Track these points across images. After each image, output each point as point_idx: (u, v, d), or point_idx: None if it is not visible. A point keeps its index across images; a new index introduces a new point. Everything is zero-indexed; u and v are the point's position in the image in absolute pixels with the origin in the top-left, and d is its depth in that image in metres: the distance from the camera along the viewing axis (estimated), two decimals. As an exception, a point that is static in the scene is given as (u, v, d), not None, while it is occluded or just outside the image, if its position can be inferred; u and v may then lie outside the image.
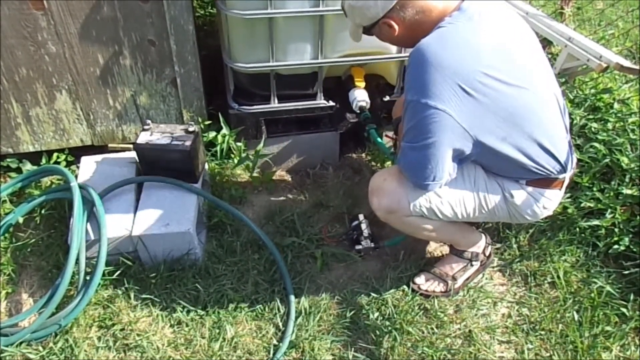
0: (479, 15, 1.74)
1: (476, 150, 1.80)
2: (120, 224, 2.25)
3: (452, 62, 1.67)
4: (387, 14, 1.81)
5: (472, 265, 2.31)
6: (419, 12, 1.79)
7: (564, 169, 1.93)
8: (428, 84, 1.67)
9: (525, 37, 1.87)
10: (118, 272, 2.25)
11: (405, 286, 2.30)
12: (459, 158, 1.83)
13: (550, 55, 3.27)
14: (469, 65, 1.68)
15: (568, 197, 2.51)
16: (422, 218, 2.02)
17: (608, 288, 2.26)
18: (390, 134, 2.64)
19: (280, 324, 2.17)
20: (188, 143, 2.31)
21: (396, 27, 1.82)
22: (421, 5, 1.78)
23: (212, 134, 2.69)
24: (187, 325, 2.15)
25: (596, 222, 2.41)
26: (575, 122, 2.69)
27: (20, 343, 2.02)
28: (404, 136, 1.84)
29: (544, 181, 1.95)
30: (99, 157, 2.56)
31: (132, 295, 2.22)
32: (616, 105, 2.75)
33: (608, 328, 2.14)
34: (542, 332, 2.17)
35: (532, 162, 1.86)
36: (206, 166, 2.61)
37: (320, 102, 2.72)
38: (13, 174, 2.62)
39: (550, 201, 2.00)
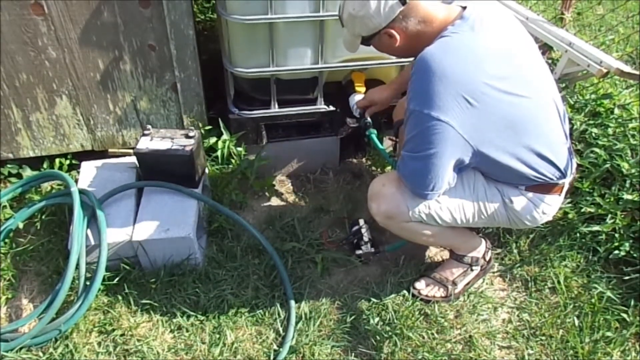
0: (481, 24, 1.74)
1: (476, 159, 1.81)
2: (120, 229, 2.25)
3: (456, 72, 1.66)
4: (389, 24, 1.80)
5: (472, 270, 2.31)
6: (421, 22, 1.78)
7: (563, 175, 1.93)
8: (431, 95, 1.67)
9: (525, 44, 1.87)
10: (118, 277, 2.25)
11: (405, 291, 2.30)
12: (459, 167, 1.83)
13: (550, 61, 3.27)
14: (473, 76, 1.68)
15: (568, 202, 2.51)
16: (421, 223, 2.02)
17: (608, 293, 2.26)
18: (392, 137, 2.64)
19: (281, 329, 2.17)
20: (188, 148, 2.31)
21: (397, 37, 1.81)
22: (423, 15, 1.78)
23: (212, 139, 2.68)
24: (187, 331, 2.15)
25: (597, 228, 2.41)
26: (575, 127, 2.69)
27: (21, 348, 2.02)
28: (404, 145, 1.84)
29: (544, 187, 1.95)
30: (99, 162, 2.56)
31: (132, 300, 2.22)
32: (616, 111, 2.75)
33: (608, 333, 2.14)
34: (543, 338, 2.17)
35: (531, 170, 1.87)
36: (206, 171, 2.61)
37: (321, 106, 2.72)
38: (13, 179, 2.62)
39: (550, 207, 2.01)
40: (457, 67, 1.67)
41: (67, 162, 2.70)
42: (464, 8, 1.80)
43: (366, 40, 1.91)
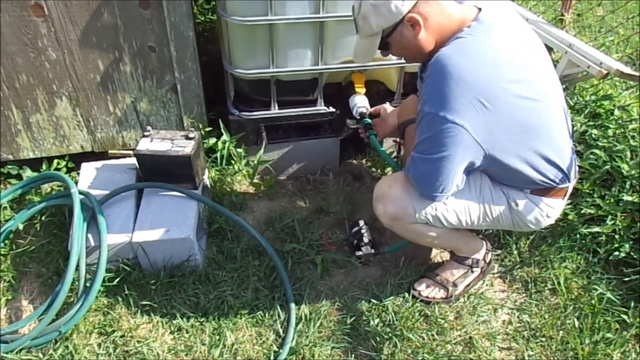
0: (496, 27, 1.74)
1: (486, 162, 1.82)
2: (120, 231, 2.25)
3: (473, 76, 1.66)
4: (412, 9, 1.74)
5: (472, 271, 2.31)
6: (441, 13, 1.76)
7: (567, 179, 1.95)
8: (448, 98, 1.66)
9: (536, 48, 1.87)
10: (118, 278, 2.25)
11: (405, 292, 2.30)
12: (468, 169, 1.84)
13: (550, 62, 3.28)
14: (489, 80, 1.68)
15: (569, 204, 2.51)
16: (426, 225, 2.02)
17: (608, 295, 2.26)
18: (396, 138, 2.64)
19: (281, 331, 2.17)
20: (188, 149, 2.31)
21: (421, 22, 1.75)
22: (443, 5, 1.76)
23: (212, 140, 2.68)
24: (187, 332, 2.15)
25: (597, 229, 2.41)
26: (575, 128, 2.69)
27: (20, 350, 2.02)
28: (415, 146, 1.84)
29: (548, 190, 1.96)
30: (99, 164, 2.56)
31: (132, 301, 2.22)
32: (616, 112, 2.75)
33: (609, 335, 2.14)
34: (543, 339, 2.17)
35: (539, 175, 1.89)
36: (206, 172, 2.61)
37: (321, 108, 2.72)
38: (13, 181, 2.62)
39: (554, 210, 2.02)
40: (474, 71, 1.67)
41: (65, 163, 2.70)
42: (480, 10, 1.80)
43: (386, 38, 1.85)
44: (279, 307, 2.24)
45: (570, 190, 2.03)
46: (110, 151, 2.67)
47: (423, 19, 1.76)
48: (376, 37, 1.86)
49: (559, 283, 2.35)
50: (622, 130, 2.63)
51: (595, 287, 2.31)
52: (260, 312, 2.22)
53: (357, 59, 2.05)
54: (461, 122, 1.68)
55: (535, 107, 1.76)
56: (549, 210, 2.00)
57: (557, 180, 1.92)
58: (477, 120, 1.68)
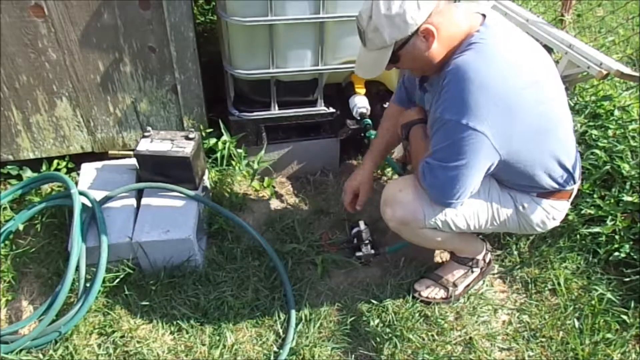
0: (504, 32, 1.74)
1: (497, 167, 1.81)
2: (120, 231, 2.25)
3: (496, 82, 1.65)
4: (427, 19, 1.69)
5: (472, 272, 2.31)
6: (452, 23, 1.73)
7: (573, 180, 1.96)
8: (470, 105, 1.64)
9: (538, 50, 1.87)
10: (118, 279, 2.25)
11: (405, 293, 2.30)
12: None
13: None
14: (509, 85, 1.67)
15: (569, 204, 2.51)
16: (434, 230, 2.00)
17: (609, 295, 2.26)
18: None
19: (281, 331, 2.17)
20: (188, 150, 2.31)
21: (435, 34, 1.70)
22: (453, 14, 1.74)
23: (212, 141, 2.68)
24: (187, 332, 2.14)
25: (597, 229, 2.41)
26: (576, 129, 2.69)
27: (20, 350, 2.02)
28: (432, 154, 1.80)
29: (555, 193, 1.97)
30: (99, 164, 2.56)
31: (132, 302, 2.22)
32: (616, 113, 2.75)
33: (609, 335, 2.14)
34: (543, 339, 2.17)
35: (549, 179, 1.90)
36: (207, 173, 2.61)
37: (321, 108, 2.72)
38: (13, 181, 2.62)
39: (559, 212, 2.03)
40: (496, 77, 1.65)
41: (65, 163, 2.71)
42: (484, 16, 1.79)
43: (397, 50, 1.76)
44: (279, 308, 2.24)
45: (574, 193, 2.04)
46: (110, 152, 2.67)
47: (437, 29, 1.71)
48: (387, 50, 1.76)
49: (559, 283, 2.35)
50: (622, 130, 2.64)
51: (595, 287, 2.31)
52: (261, 312, 2.23)
53: (363, 73, 1.96)
54: (482, 129, 1.66)
55: (547, 110, 1.77)
56: (555, 213, 2.01)
57: (563, 183, 1.94)
58: (497, 126, 1.67)
